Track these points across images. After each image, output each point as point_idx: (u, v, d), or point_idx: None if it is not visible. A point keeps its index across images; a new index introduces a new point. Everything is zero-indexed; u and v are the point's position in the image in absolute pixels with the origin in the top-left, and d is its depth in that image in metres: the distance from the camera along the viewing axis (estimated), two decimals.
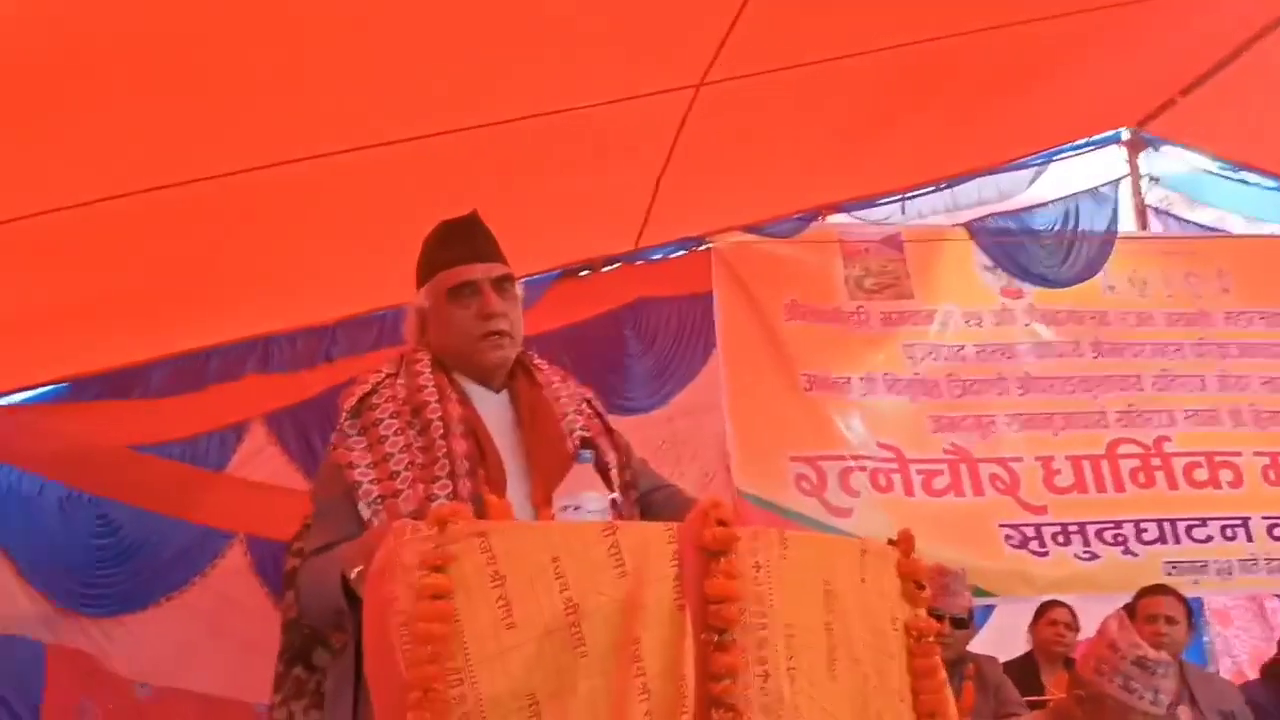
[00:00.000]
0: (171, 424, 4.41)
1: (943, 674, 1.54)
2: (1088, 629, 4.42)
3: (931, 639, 1.55)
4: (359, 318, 4.76)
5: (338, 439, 1.78)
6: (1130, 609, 3.74)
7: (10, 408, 4.26)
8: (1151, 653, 2.45)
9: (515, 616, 1.36)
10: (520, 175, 3.94)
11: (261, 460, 4.56)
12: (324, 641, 2.87)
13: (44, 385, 4.33)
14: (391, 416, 1.77)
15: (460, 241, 1.90)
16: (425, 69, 3.17)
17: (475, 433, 1.78)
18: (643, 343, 5.15)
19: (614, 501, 1.76)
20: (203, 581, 4.39)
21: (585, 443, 1.79)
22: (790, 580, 1.45)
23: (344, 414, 1.80)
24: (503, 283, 1.88)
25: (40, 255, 3.33)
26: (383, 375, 1.85)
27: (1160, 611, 3.64)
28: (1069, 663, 4.25)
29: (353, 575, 1.53)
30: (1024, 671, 4.23)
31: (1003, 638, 4.81)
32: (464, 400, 1.82)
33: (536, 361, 1.96)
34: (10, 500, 4.21)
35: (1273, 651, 4.71)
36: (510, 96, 3.47)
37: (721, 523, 1.42)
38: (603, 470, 1.78)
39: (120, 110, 2.81)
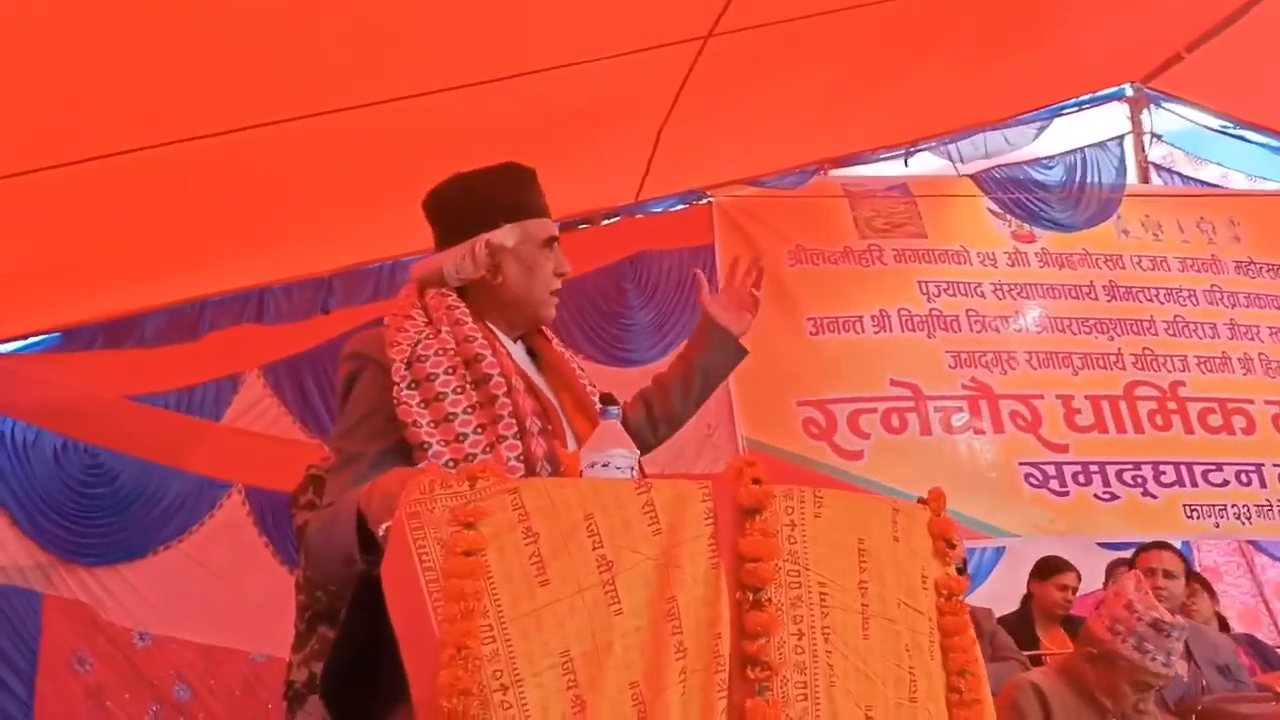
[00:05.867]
0: (167, 374, 4.38)
1: (972, 631, 1.53)
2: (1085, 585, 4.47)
3: (960, 597, 1.54)
4: (356, 269, 4.70)
5: (397, 395, 1.62)
6: (1129, 565, 3.76)
7: (3, 357, 4.20)
8: (1167, 616, 2.46)
9: (549, 574, 1.33)
10: (521, 131, 3.87)
11: (258, 412, 4.54)
12: None
13: (36, 335, 4.28)
14: (446, 372, 1.64)
15: (537, 193, 1.85)
16: (426, 25, 3.10)
17: (536, 392, 1.71)
18: (643, 295, 5.13)
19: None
20: (200, 531, 4.39)
21: (607, 399, 1.75)
22: (824, 539, 1.43)
23: (398, 363, 1.63)
24: None
25: (34, 207, 3.28)
26: (420, 322, 1.70)
27: (1159, 565, 3.66)
28: (1067, 621, 4.28)
29: (380, 531, 1.43)
30: (1019, 626, 4.27)
31: (1014, 579, 4.83)
32: (510, 354, 1.74)
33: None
34: (4, 450, 4.18)
35: (1260, 607, 4.77)
36: (514, 52, 3.40)
37: (756, 481, 1.40)
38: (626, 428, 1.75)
39: (117, 66, 2.75)
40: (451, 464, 1.57)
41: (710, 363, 2.09)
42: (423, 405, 1.62)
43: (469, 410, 1.62)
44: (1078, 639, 2.63)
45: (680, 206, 5.33)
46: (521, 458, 1.60)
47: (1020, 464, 4.90)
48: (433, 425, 1.60)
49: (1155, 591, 3.56)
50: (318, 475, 3.10)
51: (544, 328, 1.89)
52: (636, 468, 1.59)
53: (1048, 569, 4.41)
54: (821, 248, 5.17)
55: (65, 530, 4.22)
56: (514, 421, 1.63)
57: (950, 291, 5.22)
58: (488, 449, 1.59)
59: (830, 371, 4.95)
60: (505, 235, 1.78)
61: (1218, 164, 5.81)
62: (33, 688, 4.09)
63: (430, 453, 1.58)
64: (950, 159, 5.44)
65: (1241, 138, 5.80)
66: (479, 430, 1.61)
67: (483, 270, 1.77)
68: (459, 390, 1.64)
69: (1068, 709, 2.43)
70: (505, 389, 1.65)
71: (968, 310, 5.19)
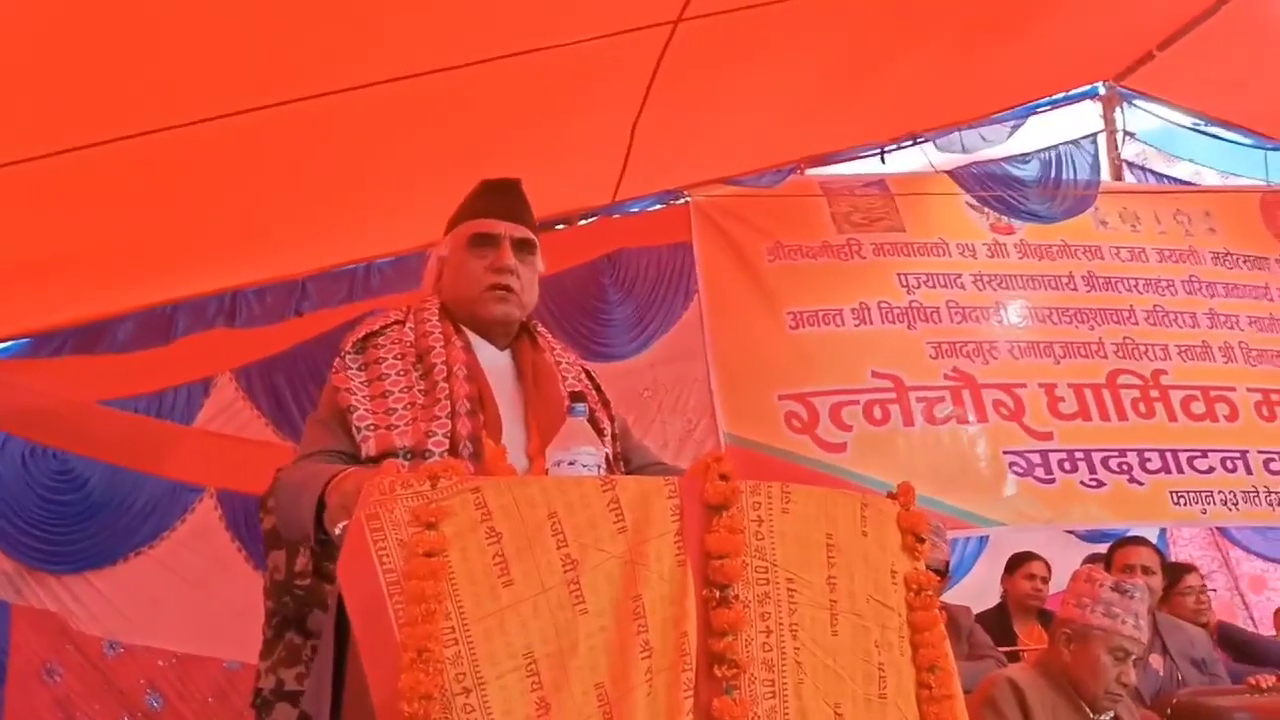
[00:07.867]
0: (138, 378, 4.31)
1: (942, 627, 1.52)
2: (1059, 580, 4.47)
3: (930, 593, 1.52)
4: (330, 271, 4.65)
5: (338, 364, 1.78)
6: (1106, 560, 3.77)
7: None
8: (1126, 580, 2.54)
9: (513, 574, 1.31)
10: (496, 120, 3.84)
11: (230, 415, 4.48)
12: (321, 604, 2.79)
13: (4, 340, 4.21)
14: (395, 358, 1.77)
15: (493, 197, 1.93)
16: (392, 9, 3.06)
17: (477, 379, 1.77)
18: (621, 290, 5.11)
19: (608, 456, 1.73)
20: (172, 536, 4.32)
21: (576, 397, 1.74)
22: (792, 535, 1.42)
23: (348, 346, 1.79)
24: (523, 245, 1.88)
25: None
26: (391, 319, 1.85)
27: (1137, 561, 3.68)
28: (1042, 615, 4.30)
29: (336, 531, 1.46)
30: (996, 622, 4.27)
31: (996, 573, 4.79)
32: (468, 348, 1.82)
33: (541, 330, 1.97)
34: None
35: (1235, 600, 4.79)
36: (484, 37, 3.36)
37: (723, 476, 1.39)
38: (597, 428, 1.74)
39: (79, 56, 2.69)
40: (373, 428, 1.67)
41: None
42: (365, 383, 1.74)
43: (405, 391, 1.73)
44: (1051, 629, 2.64)
45: (658, 206, 5.30)
46: (448, 435, 1.67)
47: (1005, 452, 4.88)
48: (365, 397, 1.72)
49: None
50: None
51: (539, 335, 1.95)
52: (603, 465, 1.58)
53: (1014, 562, 4.44)
54: (800, 243, 5.15)
55: (34, 538, 4.14)
56: (449, 403, 1.70)
57: (930, 283, 5.20)
58: (412, 421, 1.68)
59: (811, 365, 4.91)
60: (441, 247, 1.94)
61: (1190, 161, 5.84)
62: (1, 699, 4.02)
63: (355, 415, 1.68)
64: (926, 156, 5.44)
65: (1213, 135, 5.84)
66: (409, 408, 1.71)
67: (431, 282, 1.94)
68: (402, 373, 1.75)
69: (1045, 704, 2.43)
70: (446, 374, 1.74)
71: (948, 301, 5.17)
